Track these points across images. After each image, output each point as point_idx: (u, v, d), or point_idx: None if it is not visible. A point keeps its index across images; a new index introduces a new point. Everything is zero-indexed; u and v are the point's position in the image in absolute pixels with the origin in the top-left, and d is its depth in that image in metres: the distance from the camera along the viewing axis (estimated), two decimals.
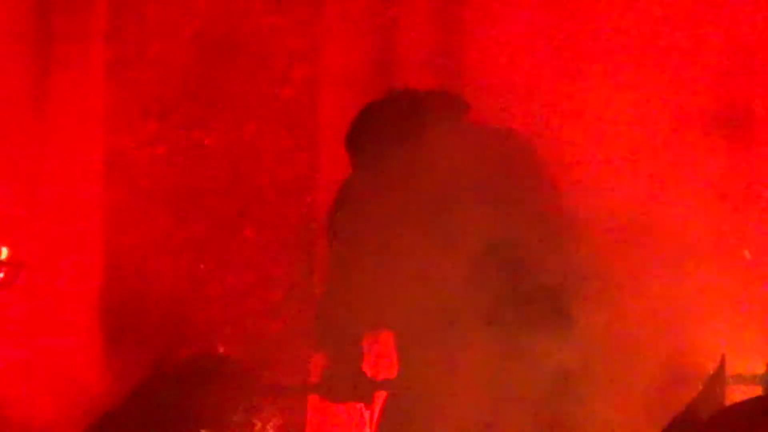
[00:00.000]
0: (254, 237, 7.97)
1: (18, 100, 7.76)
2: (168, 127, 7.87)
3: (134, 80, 7.79)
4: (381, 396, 5.37)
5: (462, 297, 5.08)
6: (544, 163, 5.78)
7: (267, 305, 7.56)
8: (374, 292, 5.22)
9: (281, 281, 7.74)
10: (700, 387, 4.70)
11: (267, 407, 5.62)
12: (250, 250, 7.72)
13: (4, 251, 6.81)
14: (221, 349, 7.41)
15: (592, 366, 5.19)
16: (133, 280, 7.77)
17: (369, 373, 5.43)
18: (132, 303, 7.62)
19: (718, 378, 4.83)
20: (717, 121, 7.63)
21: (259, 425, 5.36)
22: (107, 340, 7.40)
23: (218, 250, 7.92)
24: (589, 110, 7.32)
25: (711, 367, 4.93)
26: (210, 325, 7.69)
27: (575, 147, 7.17)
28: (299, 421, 7.32)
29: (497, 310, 4.98)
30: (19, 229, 7.59)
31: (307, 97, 7.82)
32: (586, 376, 5.07)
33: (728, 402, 4.61)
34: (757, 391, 4.98)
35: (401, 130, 5.60)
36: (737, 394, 4.96)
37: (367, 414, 5.62)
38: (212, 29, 8.04)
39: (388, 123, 5.47)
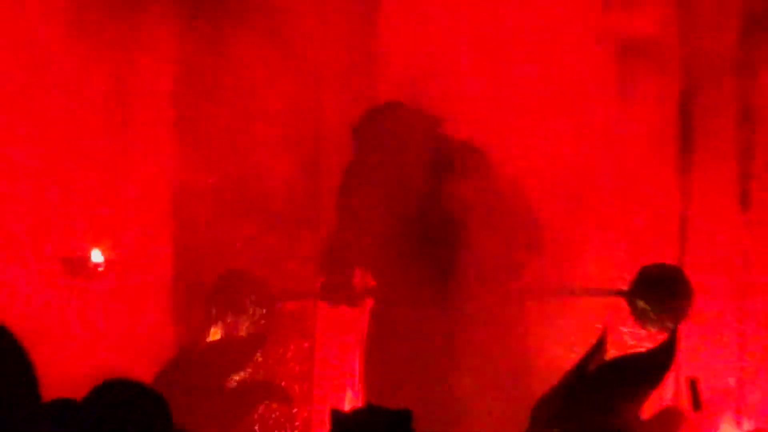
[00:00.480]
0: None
1: (108, 143, 8.84)
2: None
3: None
4: (367, 303, 7.40)
5: (418, 254, 7.00)
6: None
7: (288, 252, 8.73)
8: (360, 241, 7.32)
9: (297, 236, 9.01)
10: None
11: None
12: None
13: (97, 253, 8.24)
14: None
15: None
16: (194, 270, 8.86)
17: (356, 287, 7.43)
18: (193, 287, 8.62)
19: (604, 337, 6.29)
20: None
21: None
22: (174, 312, 8.60)
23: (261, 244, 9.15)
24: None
25: None
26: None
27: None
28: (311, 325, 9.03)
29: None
30: (112, 235, 8.67)
31: None
32: None
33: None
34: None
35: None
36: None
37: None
38: None
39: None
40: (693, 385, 6.62)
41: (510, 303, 7.57)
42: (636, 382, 6.29)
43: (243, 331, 7.45)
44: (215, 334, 7.48)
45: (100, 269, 8.10)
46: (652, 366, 6.30)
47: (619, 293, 7.38)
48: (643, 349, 6.85)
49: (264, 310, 7.48)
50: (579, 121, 8.43)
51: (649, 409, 6.49)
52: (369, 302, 7.63)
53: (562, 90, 8.35)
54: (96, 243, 8.44)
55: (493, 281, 7.55)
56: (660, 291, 7.39)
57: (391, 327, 7.26)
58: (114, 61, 9.11)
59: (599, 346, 6.21)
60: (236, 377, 7.22)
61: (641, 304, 7.27)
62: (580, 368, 6.15)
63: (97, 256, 8.25)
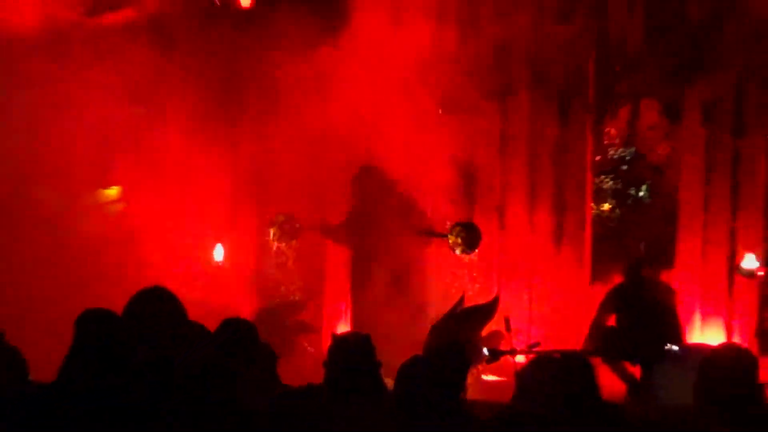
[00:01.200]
0: None
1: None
2: None
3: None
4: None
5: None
6: None
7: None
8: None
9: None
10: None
11: None
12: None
13: (220, 249, 10.83)
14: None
15: None
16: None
17: None
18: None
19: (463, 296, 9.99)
20: None
21: None
22: (257, 297, 11.16)
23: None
24: None
25: None
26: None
27: None
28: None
29: None
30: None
31: None
32: None
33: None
34: None
35: None
36: None
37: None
38: None
39: None
40: (506, 320, 9.23)
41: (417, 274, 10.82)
42: (478, 318, 9.93)
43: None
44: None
45: (220, 262, 11.21)
46: (486, 311, 10.06)
47: (443, 235, 10.79)
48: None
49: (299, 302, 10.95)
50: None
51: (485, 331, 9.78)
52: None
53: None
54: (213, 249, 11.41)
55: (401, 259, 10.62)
56: (465, 231, 10.68)
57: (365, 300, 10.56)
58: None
59: (461, 301, 10.03)
60: (288, 322, 10.78)
61: (453, 239, 10.64)
62: (452, 311, 9.91)
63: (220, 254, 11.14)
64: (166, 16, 11.40)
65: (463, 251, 10.58)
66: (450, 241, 10.56)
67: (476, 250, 10.63)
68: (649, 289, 9.68)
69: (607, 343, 9.44)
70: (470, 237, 10.61)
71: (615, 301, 9.74)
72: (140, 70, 10.67)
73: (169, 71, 10.82)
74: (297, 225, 11.12)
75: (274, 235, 11.09)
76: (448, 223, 10.81)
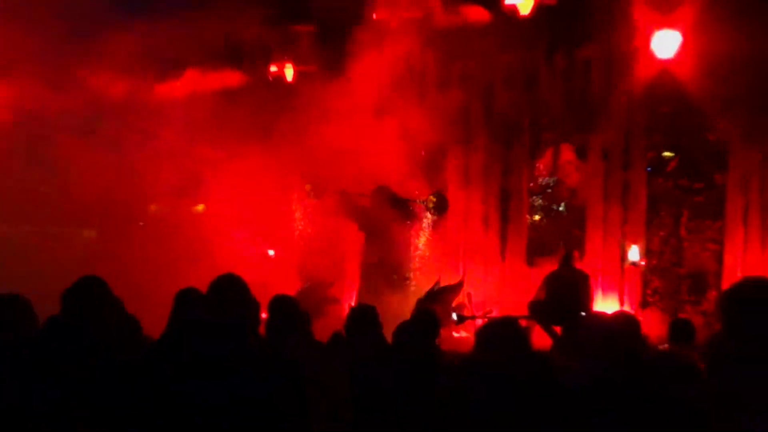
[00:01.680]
0: None
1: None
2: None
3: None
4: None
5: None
6: None
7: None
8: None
9: None
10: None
11: None
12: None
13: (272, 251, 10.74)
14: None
15: None
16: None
17: None
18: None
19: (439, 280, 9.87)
20: None
21: None
22: (300, 279, 10.99)
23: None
24: None
25: None
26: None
27: None
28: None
29: None
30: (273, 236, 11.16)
31: None
32: None
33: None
34: None
35: None
36: None
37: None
38: None
39: None
40: (469, 295, 9.92)
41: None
42: (449, 295, 9.96)
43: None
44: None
45: (272, 255, 11.16)
46: (454, 289, 10.06)
47: (422, 201, 10.79)
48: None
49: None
50: None
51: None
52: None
53: None
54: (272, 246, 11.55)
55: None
56: (437, 198, 10.82)
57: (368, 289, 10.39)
58: None
59: (437, 283, 9.97)
60: (320, 296, 10.52)
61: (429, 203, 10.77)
62: (431, 290, 9.91)
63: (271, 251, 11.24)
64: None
65: (434, 213, 10.56)
66: (428, 205, 10.56)
67: (445, 213, 10.72)
68: (572, 274, 9.63)
69: (541, 311, 9.45)
70: (440, 202, 10.63)
71: (549, 282, 9.70)
72: (216, 125, 10.68)
73: (235, 124, 10.68)
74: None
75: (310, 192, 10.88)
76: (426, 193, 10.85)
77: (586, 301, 9.46)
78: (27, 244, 10.44)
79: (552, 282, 9.70)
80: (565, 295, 9.42)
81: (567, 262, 9.78)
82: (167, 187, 11.00)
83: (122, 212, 10.76)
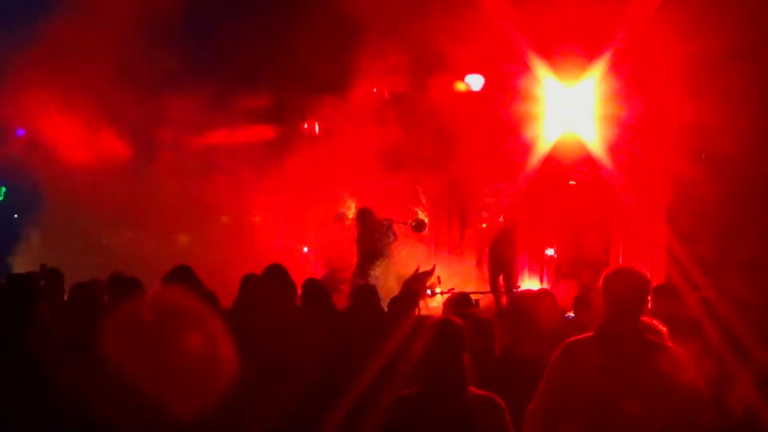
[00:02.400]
0: None
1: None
2: None
3: None
4: None
5: None
6: None
7: None
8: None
9: None
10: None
11: None
12: None
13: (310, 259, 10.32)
14: None
15: None
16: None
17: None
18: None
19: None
20: None
21: None
22: (324, 267, 10.43)
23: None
24: None
25: None
26: None
27: None
28: None
29: None
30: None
31: None
32: None
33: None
34: None
35: None
36: None
37: None
38: None
39: None
40: (438, 277, 9.40)
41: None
42: (425, 276, 9.45)
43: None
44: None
45: (306, 251, 10.86)
46: (429, 273, 9.53)
47: (407, 223, 9.93)
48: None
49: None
50: None
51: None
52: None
53: None
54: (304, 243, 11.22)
55: None
56: (418, 225, 10.23)
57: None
58: None
59: (417, 269, 9.54)
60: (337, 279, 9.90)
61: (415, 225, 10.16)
62: (413, 274, 9.39)
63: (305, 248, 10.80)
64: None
65: (415, 230, 10.15)
66: (411, 224, 10.13)
67: (423, 231, 10.27)
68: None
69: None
70: (418, 225, 10.21)
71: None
72: (267, 164, 10.54)
73: (278, 165, 10.55)
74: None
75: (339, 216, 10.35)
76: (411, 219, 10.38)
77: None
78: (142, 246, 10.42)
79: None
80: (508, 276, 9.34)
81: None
82: (235, 204, 10.85)
83: (205, 222, 10.66)
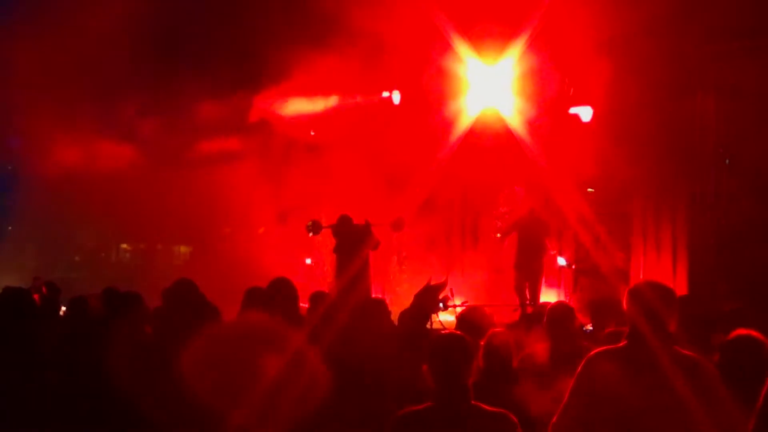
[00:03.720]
0: None
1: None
2: None
3: None
4: None
5: None
6: None
7: None
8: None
9: None
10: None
11: None
12: None
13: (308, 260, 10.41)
14: None
15: None
16: None
17: None
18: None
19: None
20: None
21: None
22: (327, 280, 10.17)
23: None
24: None
25: None
26: None
27: None
28: None
29: None
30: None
31: None
32: None
33: None
34: None
35: None
36: None
37: None
38: None
39: None
40: (451, 290, 8.62)
41: None
42: (437, 290, 8.51)
43: None
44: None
45: (309, 263, 10.83)
46: (441, 286, 7.93)
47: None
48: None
49: None
50: None
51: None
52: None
53: None
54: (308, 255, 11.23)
55: None
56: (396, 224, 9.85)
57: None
58: None
59: (428, 282, 8.77)
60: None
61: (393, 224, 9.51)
62: (425, 287, 8.67)
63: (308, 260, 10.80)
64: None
65: (394, 229, 9.84)
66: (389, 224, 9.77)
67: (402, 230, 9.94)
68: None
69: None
70: (396, 224, 9.82)
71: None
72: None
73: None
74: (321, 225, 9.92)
75: (308, 228, 9.79)
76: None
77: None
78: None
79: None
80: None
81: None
82: (238, 216, 10.96)
83: (207, 234, 10.86)
